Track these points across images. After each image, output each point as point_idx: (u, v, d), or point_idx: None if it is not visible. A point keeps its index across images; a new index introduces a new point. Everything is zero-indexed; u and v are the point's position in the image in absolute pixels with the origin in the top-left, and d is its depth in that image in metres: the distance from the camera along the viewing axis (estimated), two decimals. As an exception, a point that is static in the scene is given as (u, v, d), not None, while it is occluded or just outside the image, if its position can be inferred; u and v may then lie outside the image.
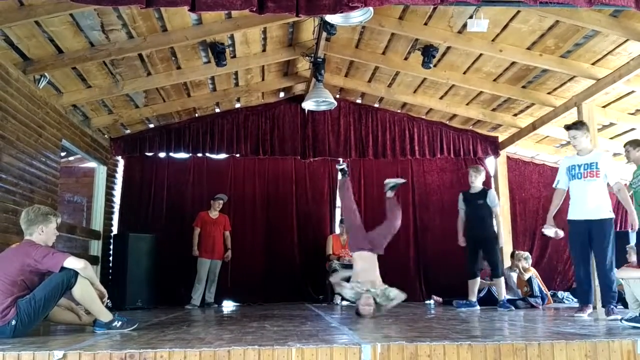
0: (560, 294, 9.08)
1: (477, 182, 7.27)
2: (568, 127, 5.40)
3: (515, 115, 9.01)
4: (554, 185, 5.66)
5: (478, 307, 6.93)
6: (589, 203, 5.19)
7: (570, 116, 8.06)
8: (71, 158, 9.06)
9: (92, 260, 8.00)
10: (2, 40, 5.63)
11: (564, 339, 3.14)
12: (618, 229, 9.29)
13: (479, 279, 7.15)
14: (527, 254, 8.33)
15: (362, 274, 5.60)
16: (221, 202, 8.47)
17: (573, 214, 5.35)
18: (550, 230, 5.54)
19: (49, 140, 6.66)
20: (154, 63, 7.05)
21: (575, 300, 8.15)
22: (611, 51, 6.54)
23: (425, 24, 6.72)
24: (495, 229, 7.22)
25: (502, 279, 7.05)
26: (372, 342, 3.01)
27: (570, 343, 3.06)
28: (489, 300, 7.84)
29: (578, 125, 5.36)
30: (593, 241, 5.17)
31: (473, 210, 7.19)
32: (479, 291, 7.97)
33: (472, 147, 9.65)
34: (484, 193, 7.23)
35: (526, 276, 7.78)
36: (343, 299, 8.30)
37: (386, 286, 5.44)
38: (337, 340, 3.29)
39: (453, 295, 8.38)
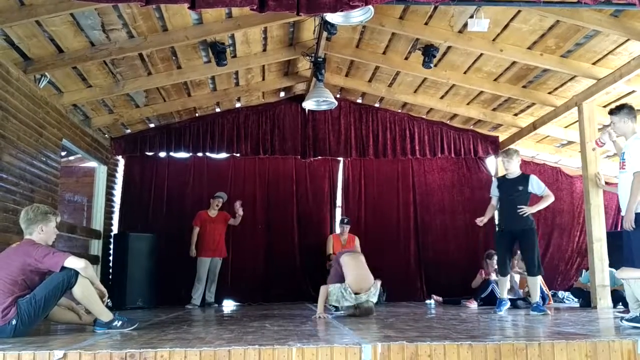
0: (560, 293, 9.08)
1: (512, 167, 6.26)
2: (609, 113, 4.89)
3: (515, 115, 9.01)
4: None
5: (508, 306, 6.30)
6: (622, 197, 4.64)
7: (571, 116, 8.08)
8: (71, 158, 9.05)
9: (93, 259, 8.00)
10: (2, 39, 5.64)
11: (565, 339, 3.14)
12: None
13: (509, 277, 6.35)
14: None
15: (357, 282, 5.59)
16: (220, 200, 8.46)
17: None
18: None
19: (49, 139, 6.66)
20: (155, 63, 7.05)
21: (576, 300, 8.15)
22: (612, 51, 6.55)
23: (426, 23, 6.72)
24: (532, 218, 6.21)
25: (539, 278, 6.16)
26: (372, 341, 3.01)
27: (571, 343, 3.05)
28: (491, 299, 7.84)
29: (615, 110, 4.79)
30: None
31: (509, 198, 6.19)
32: (482, 290, 7.97)
33: (472, 147, 9.65)
34: (524, 179, 6.23)
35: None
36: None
37: (370, 290, 5.60)
38: (338, 340, 3.29)
39: (454, 294, 8.40)
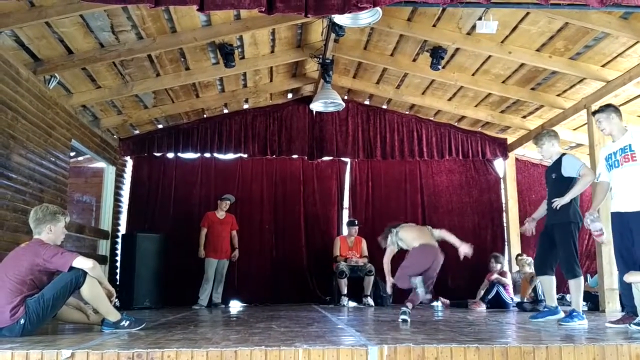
0: (568, 297, 9.01)
1: (545, 152, 5.45)
2: (593, 113, 4.81)
3: (524, 117, 8.98)
4: (595, 180, 4.87)
5: (561, 314, 5.16)
6: (627, 192, 4.47)
7: (580, 118, 8.04)
8: (80, 158, 9.11)
9: (101, 259, 8.04)
10: (12, 40, 5.68)
11: (572, 343, 3.12)
12: None
13: (550, 277, 5.30)
14: (530, 259, 8.25)
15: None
16: (228, 202, 8.49)
17: (613, 206, 4.63)
18: (595, 225, 4.62)
19: (58, 140, 6.70)
20: (163, 64, 7.08)
21: (584, 303, 8.09)
22: (621, 53, 6.51)
23: (434, 25, 6.71)
24: (574, 210, 5.07)
25: (579, 280, 5.05)
26: (379, 343, 3.01)
27: (579, 347, 3.04)
28: (497, 302, 7.81)
29: (603, 108, 4.71)
30: (634, 237, 4.40)
31: (548, 189, 5.37)
32: (487, 292, 7.92)
33: (480, 149, 9.62)
34: (557, 162, 5.24)
35: (535, 281, 7.71)
36: (350, 300, 8.31)
37: None
38: (344, 342, 3.29)
39: (461, 297, 8.36)
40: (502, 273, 8.23)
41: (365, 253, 8.74)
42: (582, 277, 5.14)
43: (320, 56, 7.48)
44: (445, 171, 9.77)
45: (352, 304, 8.36)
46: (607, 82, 6.94)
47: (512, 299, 8.05)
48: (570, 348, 3.02)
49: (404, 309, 4.92)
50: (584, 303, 7.91)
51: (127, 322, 4.11)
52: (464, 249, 5.20)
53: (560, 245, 5.10)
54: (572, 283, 5.09)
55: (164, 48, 6.54)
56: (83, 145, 7.55)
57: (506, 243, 9.61)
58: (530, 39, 6.63)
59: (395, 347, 2.94)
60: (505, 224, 9.68)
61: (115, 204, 8.79)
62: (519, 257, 8.39)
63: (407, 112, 9.59)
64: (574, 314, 4.88)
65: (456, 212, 9.59)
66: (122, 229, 8.98)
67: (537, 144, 5.54)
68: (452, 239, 5.39)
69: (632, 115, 7.98)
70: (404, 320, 4.80)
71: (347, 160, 9.66)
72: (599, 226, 4.68)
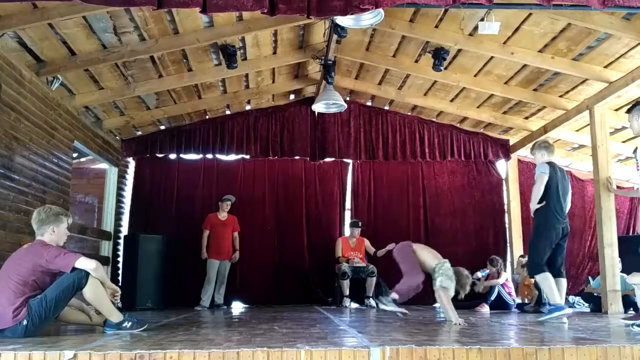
0: (571, 298, 9.00)
1: (537, 161, 5.78)
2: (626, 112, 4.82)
3: (526, 118, 8.97)
4: None
5: (569, 311, 5.28)
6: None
7: (582, 119, 8.03)
8: (83, 159, 9.12)
9: (103, 260, 8.04)
10: (15, 42, 5.70)
11: (575, 344, 3.11)
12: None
13: (561, 280, 5.42)
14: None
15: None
16: (229, 203, 8.50)
17: None
18: None
19: (61, 141, 6.71)
20: (166, 65, 7.09)
21: (586, 305, 8.10)
22: (624, 54, 6.51)
23: (436, 26, 6.71)
24: (544, 215, 5.55)
25: (543, 275, 5.29)
26: (381, 345, 3.01)
27: (581, 348, 3.03)
28: (499, 304, 7.80)
29: (630, 108, 4.72)
30: None
31: None
32: (490, 293, 7.91)
33: (482, 150, 9.61)
34: None
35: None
36: (352, 301, 8.31)
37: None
38: (346, 343, 3.29)
39: (463, 298, 8.34)
40: (496, 276, 8.18)
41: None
42: (545, 273, 5.27)
43: (323, 57, 7.48)
44: (448, 172, 9.76)
45: (354, 305, 8.36)
46: (609, 83, 6.93)
47: (514, 300, 8.05)
48: (573, 349, 3.01)
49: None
50: (587, 304, 7.93)
51: (130, 323, 4.11)
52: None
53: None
54: (538, 279, 5.48)
55: (166, 49, 6.55)
56: (85, 147, 7.56)
57: (508, 244, 9.60)
58: (532, 40, 6.62)
59: (397, 348, 2.94)
60: (507, 226, 9.67)
61: (117, 205, 8.80)
62: (519, 259, 8.38)
63: (409, 113, 9.59)
64: (551, 307, 5.10)
65: (458, 213, 9.59)
66: (125, 230, 8.99)
67: (532, 152, 5.96)
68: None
69: (634, 117, 7.96)
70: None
71: (349, 161, 9.66)
72: None
